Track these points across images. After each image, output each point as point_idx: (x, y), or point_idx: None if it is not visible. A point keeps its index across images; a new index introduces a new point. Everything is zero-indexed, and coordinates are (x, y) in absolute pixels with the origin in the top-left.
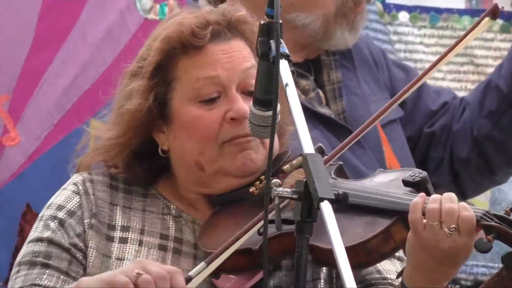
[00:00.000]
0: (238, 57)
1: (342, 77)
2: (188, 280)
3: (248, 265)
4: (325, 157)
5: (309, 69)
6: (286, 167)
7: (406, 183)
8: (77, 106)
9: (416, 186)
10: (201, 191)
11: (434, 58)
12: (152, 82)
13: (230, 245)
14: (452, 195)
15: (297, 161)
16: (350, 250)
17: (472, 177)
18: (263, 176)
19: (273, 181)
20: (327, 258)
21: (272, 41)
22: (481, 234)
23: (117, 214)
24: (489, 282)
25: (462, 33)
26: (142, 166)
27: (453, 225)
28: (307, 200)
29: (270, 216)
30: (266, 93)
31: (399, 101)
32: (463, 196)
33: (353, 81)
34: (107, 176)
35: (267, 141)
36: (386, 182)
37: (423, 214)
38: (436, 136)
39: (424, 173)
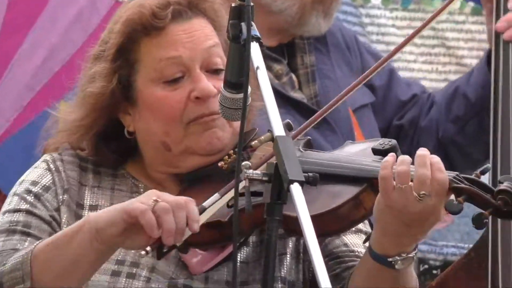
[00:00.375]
0: (200, 36)
1: (315, 60)
2: (202, 210)
3: (217, 238)
4: (293, 132)
5: (283, 53)
6: (254, 142)
7: (375, 151)
8: (47, 88)
9: (385, 154)
10: (169, 171)
11: None
12: (115, 64)
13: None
14: (425, 159)
15: (265, 136)
16: (320, 218)
17: None
18: (231, 151)
19: (243, 163)
20: (297, 227)
21: (243, 24)
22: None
23: (86, 193)
24: (458, 264)
25: None
26: (110, 148)
27: (423, 191)
28: (277, 182)
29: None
30: (237, 75)
31: (368, 79)
32: None
33: (327, 64)
34: (76, 157)
35: None
36: (355, 152)
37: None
38: (404, 130)
39: (394, 141)
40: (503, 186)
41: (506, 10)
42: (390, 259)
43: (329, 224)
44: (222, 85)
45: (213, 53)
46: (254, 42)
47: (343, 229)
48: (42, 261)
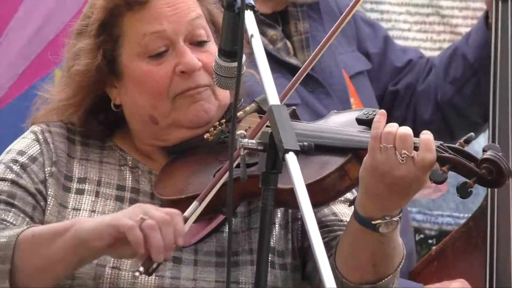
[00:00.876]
0: (183, 8)
1: (309, 27)
2: (185, 220)
3: (205, 210)
4: (280, 95)
5: (277, 20)
6: (240, 113)
7: (360, 121)
8: (42, 56)
9: (370, 123)
10: (156, 144)
11: (401, 9)
12: (99, 40)
13: (216, 182)
14: (407, 127)
15: (250, 107)
16: (306, 188)
17: None
18: (217, 123)
19: (238, 132)
20: (285, 198)
21: None
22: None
23: (74, 166)
24: (456, 233)
25: None
26: (98, 119)
27: (405, 151)
28: (273, 151)
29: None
30: (232, 44)
31: (345, 22)
32: None
33: (320, 32)
34: (64, 129)
35: (220, 91)
36: (340, 122)
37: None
38: (400, 95)
39: (378, 111)
40: (487, 154)
41: None
42: (374, 222)
43: (315, 195)
44: (216, 53)
45: (196, 25)
46: (248, 10)
47: (329, 199)
48: (24, 251)
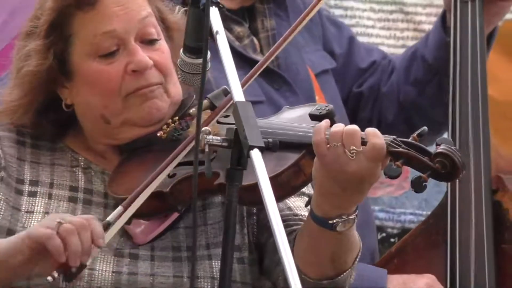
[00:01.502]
0: (133, 8)
1: (275, 25)
2: (107, 225)
3: (160, 208)
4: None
5: (244, 16)
6: (192, 110)
7: (312, 116)
8: (5, 53)
9: (322, 119)
10: (109, 143)
11: (365, 6)
12: (49, 40)
13: (145, 187)
14: (353, 125)
15: (203, 104)
16: None
17: None
18: (170, 120)
19: (203, 128)
20: (241, 195)
21: None
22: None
23: (26, 169)
24: (416, 230)
25: None
26: (48, 119)
27: (353, 147)
28: (237, 148)
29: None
30: (196, 40)
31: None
32: None
33: (287, 29)
34: (13, 132)
35: (172, 88)
36: (293, 118)
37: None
38: (365, 97)
39: (331, 106)
40: (441, 148)
41: None
42: (330, 221)
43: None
44: (181, 50)
45: (147, 23)
46: (213, 6)
47: (284, 196)
48: None
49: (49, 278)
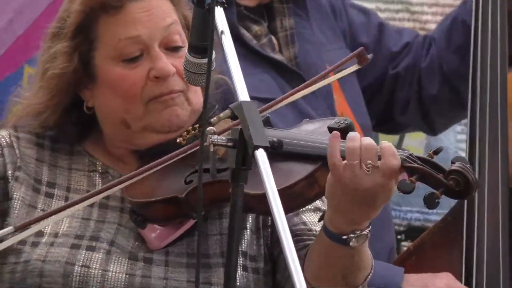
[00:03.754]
0: (158, 14)
1: (294, 24)
2: None
3: (174, 214)
4: (269, 103)
5: (263, 15)
6: (213, 119)
7: (331, 129)
8: (11, 51)
9: (341, 132)
10: (128, 147)
11: (371, 5)
12: (75, 42)
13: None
14: (368, 137)
15: (224, 113)
16: None
17: (443, 112)
18: (190, 127)
19: (208, 128)
20: (253, 204)
21: None
22: (404, 175)
23: (44, 170)
24: (434, 228)
25: None
26: (71, 120)
27: (370, 161)
28: (242, 148)
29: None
30: (202, 40)
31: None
32: (432, 132)
33: (306, 28)
34: (33, 135)
35: (193, 97)
36: (312, 130)
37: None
38: (401, 77)
39: (349, 120)
40: (455, 166)
41: None
42: (344, 237)
43: (283, 202)
44: (186, 49)
45: (172, 31)
46: (218, 6)
47: (297, 207)
48: None
49: None
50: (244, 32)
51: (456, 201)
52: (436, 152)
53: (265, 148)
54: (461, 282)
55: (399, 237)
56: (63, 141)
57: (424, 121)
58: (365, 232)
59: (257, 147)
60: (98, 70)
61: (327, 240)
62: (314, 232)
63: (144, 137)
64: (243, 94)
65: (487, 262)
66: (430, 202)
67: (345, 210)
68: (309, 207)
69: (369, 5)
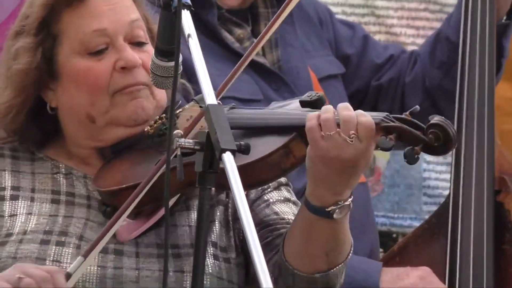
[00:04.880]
0: (122, 9)
1: (279, 28)
2: (68, 277)
3: (143, 202)
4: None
5: (247, 19)
6: (179, 111)
7: (303, 103)
8: None
9: (313, 105)
10: (93, 145)
11: (336, 9)
12: (38, 38)
13: (106, 232)
14: (347, 104)
15: (189, 105)
16: (251, 166)
17: None
18: (157, 117)
19: (175, 132)
20: (225, 180)
21: None
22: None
23: (6, 177)
24: (419, 229)
25: None
26: (35, 124)
27: (352, 132)
28: (209, 151)
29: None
30: (168, 43)
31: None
32: None
33: (290, 33)
34: None
35: (158, 92)
36: (284, 106)
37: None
38: (384, 89)
39: (321, 93)
40: (434, 120)
41: None
42: (327, 209)
43: (260, 173)
44: (153, 52)
45: (136, 25)
46: (185, 9)
47: (274, 177)
48: None
49: None
50: (226, 35)
51: (408, 207)
52: (412, 113)
53: (232, 151)
54: (445, 283)
55: None
56: (23, 150)
57: None
58: (347, 203)
59: (224, 150)
60: (62, 66)
61: (310, 215)
62: (287, 220)
63: (109, 132)
64: (209, 96)
65: (471, 263)
66: (411, 157)
67: (327, 180)
68: (279, 198)
69: (335, 9)
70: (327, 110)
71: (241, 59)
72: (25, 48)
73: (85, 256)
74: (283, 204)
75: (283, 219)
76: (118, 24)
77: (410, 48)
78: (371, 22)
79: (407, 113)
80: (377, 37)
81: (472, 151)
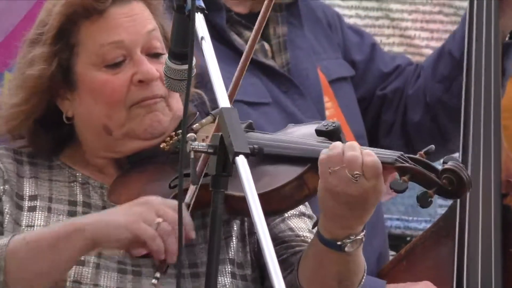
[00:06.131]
0: (140, 20)
1: (287, 31)
2: (188, 207)
3: None
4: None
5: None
6: (196, 125)
7: (319, 132)
8: None
9: (329, 135)
10: (109, 156)
11: (351, 13)
12: (55, 48)
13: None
14: (354, 143)
15: (206, 119)
16: (264, 197)
17: (424, 141)
18: (173, 133)
19: (188, 135)
20: (241, 206)
21: None
22: (396, 176)
23: (25, 184)
24: (426, 232)
25: None
26: (47, 133)
27: (357, 172)
28: (223, 154)
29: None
30: (182, 46)
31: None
32: None
33: (299, 36)
34: (10, 151)
35: (174, 103)
36: (299, 134)
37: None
38: (388, 99)
39: (337, 123)
40: (448, 165)
41: None
42: (339, 243)
43: (273, 204)
44: (166, 56)
45: (153, 37)
46: (199, 12)
47: (287, 208)
48: (20, 259)
49: (154, 281)
50: (235, 37)
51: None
52: (427, 152)
53: (246, 155)
54: (453, 287)
55: None
56: (40, 157)
57: (406, 147)
58: (359, 237)
59: (237, 154)
60: (79, 77)
61: (322, 246)
62: (303, 238)
63: (126, 144)
64: (223, 100)
65: (479, 267)
66: (424, 201)
67: (337, 215)
68: (294, 212)
69: (349, 12)
70: (335, 147)
71: (240, 62)
72: (41, 57)
73: (195, 183)
74: (298, 219)
75: (298, 236)
76: (136, 36)
77: (424, 51)
78: (385, 25)
79: (422, 152)
80: (391, 40)
81: (479, 155)
